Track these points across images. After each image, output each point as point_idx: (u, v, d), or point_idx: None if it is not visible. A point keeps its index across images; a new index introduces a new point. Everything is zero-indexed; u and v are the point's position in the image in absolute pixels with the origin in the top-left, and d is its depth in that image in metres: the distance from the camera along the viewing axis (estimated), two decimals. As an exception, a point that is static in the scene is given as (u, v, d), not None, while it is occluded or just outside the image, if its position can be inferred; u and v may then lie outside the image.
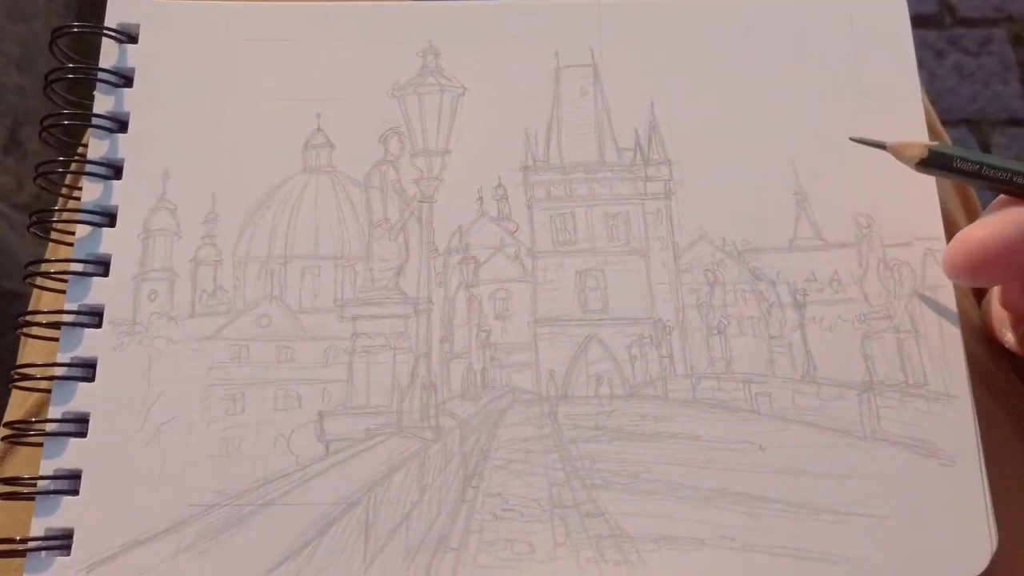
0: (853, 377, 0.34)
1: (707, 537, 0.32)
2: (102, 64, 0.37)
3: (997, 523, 0.32)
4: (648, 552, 0.32)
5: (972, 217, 0.45)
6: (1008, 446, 0.36)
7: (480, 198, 0.36)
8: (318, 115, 0.37)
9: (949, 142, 0.46)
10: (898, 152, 0.34)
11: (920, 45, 1.44)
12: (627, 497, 0.32)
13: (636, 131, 0.37)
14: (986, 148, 1.37)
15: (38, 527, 0.32)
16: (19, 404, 0.37)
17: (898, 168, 0.35)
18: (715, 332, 0.35)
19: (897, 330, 0.34)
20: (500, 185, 0.36)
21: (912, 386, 0.34)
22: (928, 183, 0.36)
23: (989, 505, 0.32)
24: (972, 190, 0.45)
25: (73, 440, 0.33)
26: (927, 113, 0.41)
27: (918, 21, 1.46)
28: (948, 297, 0.35)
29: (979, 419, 0.33)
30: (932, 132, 0.43)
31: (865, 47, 0.38)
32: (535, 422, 0.34)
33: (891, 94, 0.37)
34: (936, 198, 0.36)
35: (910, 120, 0.37)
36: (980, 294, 0.42)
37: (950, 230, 0.38)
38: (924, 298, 0.35)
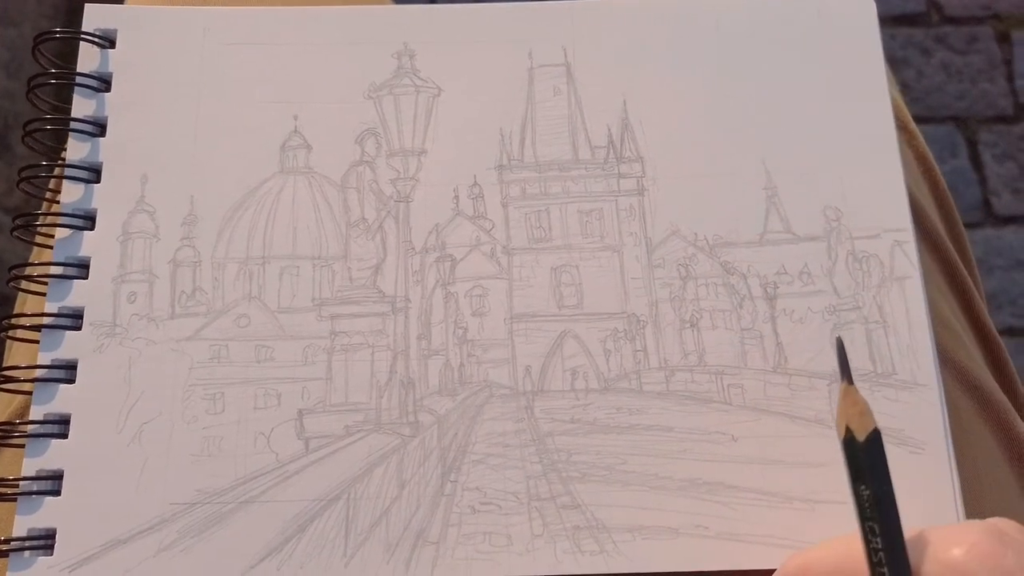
0: (823, 367, 0.34)
1: (681, 526, 0.32)
2: (80, 68, 0.37)
3: (965, 509, 0.32)
4: (624, 542, 0.32)
5: (942, 206, 0.45)
6: (976, 433, 0.37)
7: (456, 197, 0.37)
8: (295, 117, 0.37)
9: (922, 140, 0.46)
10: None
11: (907, 43, 1.45)
12: (603, 488, 0.33)
13: (609, 129, 0.38)
14: (973, 145, 1.38)
15: (20, 527, 0.32)
16: (3, 406, 0.38)
17: (867, 161, 0.35)
18: (688, 325, 0.36)
19: (866, 321, 0.35)
20: (476, 184, 0.37)
21: (881, 375, 0.34)
22: (896, 175, 0.37)
23: (958, 491, 0.33)
24: (941, 178, 0.45)
25: (55, 441, 0.33)
26: (899, 109, 0.41)
27: (905, 19, 1.46)
28: (916, 288, 0.35)
29: (948, 407, 0.34)
30: (905, 130, 0.44)
31: (832, 44, 0.38)
32: (512, 416, 0.34)
33: (859, 90, 0.38)
34: (904, 190, 0.37)
35: (878, 115, 0.37)
36: (954, 286, 0.43)
37: (919, 221, 0.39)
38: (892, 289, 0.35)
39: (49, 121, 0.36)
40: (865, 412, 0.28)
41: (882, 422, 0.33)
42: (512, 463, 0.33)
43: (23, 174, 0.36)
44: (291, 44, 0.38)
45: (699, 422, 0.34)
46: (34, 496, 0.33)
